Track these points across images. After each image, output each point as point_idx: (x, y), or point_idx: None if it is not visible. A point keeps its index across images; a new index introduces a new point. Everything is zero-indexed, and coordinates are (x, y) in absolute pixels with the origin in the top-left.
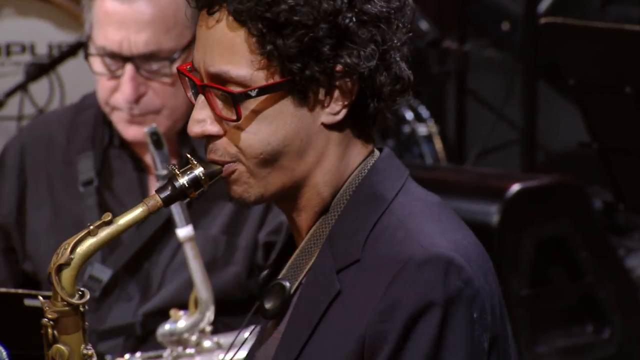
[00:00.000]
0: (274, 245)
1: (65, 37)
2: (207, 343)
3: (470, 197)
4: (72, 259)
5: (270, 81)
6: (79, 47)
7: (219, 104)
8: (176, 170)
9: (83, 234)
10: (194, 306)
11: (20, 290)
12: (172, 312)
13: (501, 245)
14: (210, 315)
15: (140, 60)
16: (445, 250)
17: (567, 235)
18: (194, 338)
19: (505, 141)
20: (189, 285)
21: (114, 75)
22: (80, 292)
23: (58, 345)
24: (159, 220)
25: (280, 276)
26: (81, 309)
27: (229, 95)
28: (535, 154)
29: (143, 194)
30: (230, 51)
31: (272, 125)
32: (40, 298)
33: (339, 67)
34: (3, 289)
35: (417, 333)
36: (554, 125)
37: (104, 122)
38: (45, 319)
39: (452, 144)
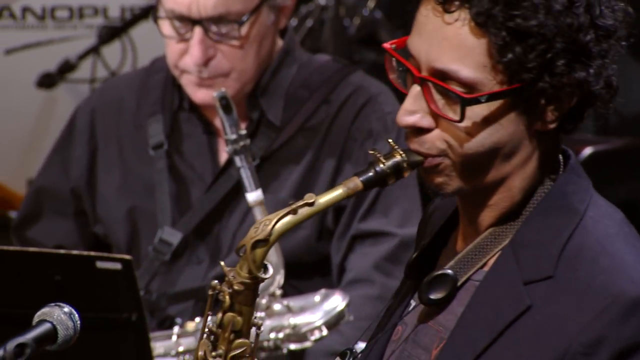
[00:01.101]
0: (344, 209)
1: (138, 0)
2: (277, 306)
3: None
4: (270, 235)
5: (501, 88)
6: (151, 10)
7: (437, 99)
8: (379, 155)
9: (286, 211)
10: None
11: (92, 253)
12: None
13: None
14: (280, 278)
15: (208, 23)
16: None
17: None
18: (264, 301)
19: None
20: None
21: (182, 38)
22: (264, 266)
23: (233, 314)
24: (229, 184)
25: (447, 267)
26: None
27: (458, 97)
28: (608, 117)
29: (212, 157)
30: (465, 52)
31: (490, 129)
32: (223, 265)
33: (568, 81)
34: (75, 252)
35: None
36: (627, 88)
37: (174, 86)
38: (216, 282)
39: None
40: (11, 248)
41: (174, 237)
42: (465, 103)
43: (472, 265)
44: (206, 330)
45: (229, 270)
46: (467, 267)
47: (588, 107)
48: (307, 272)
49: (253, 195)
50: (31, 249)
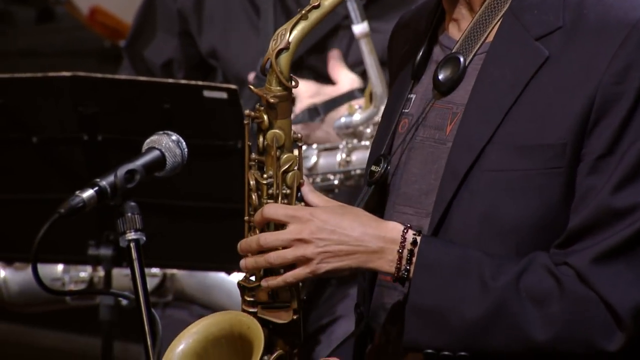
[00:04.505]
0: None
1: None
2: None
3: None
4: (290, 43)
5: None
6: None
7: None
8: None
9: (297, 18)
10: (368, 100)
11: (200, 82)
12: (348, 105)
13: None
14: (384, 108)
15: None
16: None
17: None
18: (368, 130)
19: None
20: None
21: None
22: (292, 77)
23: (274, 131)
24: (334, 20)
25: (453, 51)
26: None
27: None
28: None
29: None
30: None
31: None
32: (252, 87)
33: None
34: (183, 81)
35: None
36: None
37: None
38: (248, 110)
39: None
40: (122, 77)
41: None
42: None
43: (475, 42)
44: (251, 159)
45: (259, 90)
46: (471, 45)
47: None
48: None
49: (359, 28)
50: (141, 78)
